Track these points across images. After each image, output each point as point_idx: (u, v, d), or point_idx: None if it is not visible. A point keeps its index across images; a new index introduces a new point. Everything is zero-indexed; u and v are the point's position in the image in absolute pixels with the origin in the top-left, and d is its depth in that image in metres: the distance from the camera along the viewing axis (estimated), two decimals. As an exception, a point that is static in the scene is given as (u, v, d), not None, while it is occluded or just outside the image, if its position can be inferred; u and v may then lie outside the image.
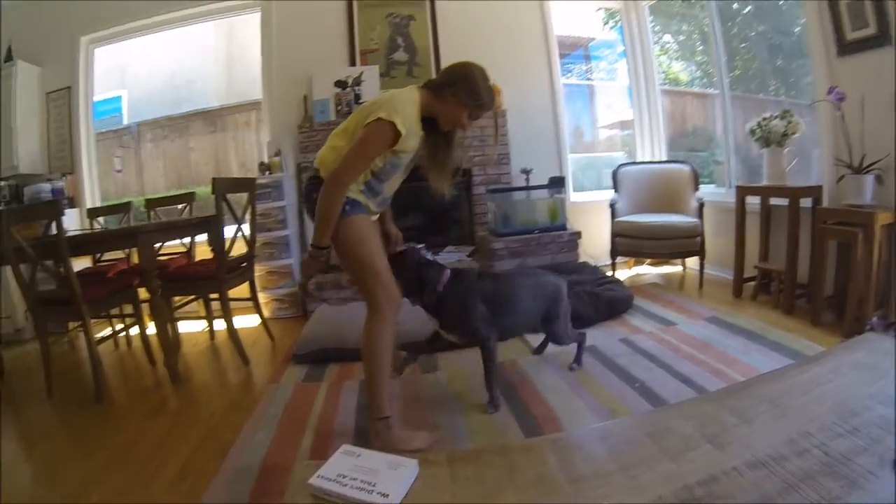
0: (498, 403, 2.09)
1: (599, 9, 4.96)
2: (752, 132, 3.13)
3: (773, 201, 3.27)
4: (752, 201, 3.38)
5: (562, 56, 4.79)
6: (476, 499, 0.87)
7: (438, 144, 1.97)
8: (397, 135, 1.74)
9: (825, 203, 2.94)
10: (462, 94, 1.83)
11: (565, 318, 2.31)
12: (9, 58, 4.37)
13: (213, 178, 2.81)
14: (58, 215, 2.45)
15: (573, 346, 2.44)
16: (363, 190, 1.85)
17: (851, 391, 1.14)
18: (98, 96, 4.68)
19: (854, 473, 0.87)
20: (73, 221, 4.19)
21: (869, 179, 2.59)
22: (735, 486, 0.86)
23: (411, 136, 1.81)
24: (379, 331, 1.82)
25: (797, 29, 3.34)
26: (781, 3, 3.53)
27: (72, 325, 3.39)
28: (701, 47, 4.55)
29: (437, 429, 1.97)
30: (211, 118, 4.73)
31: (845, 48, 2.74)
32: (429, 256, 2.19)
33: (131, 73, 4.80)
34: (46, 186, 4.25)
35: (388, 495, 0.86)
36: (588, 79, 5.12)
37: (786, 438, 0.98)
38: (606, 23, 5.01)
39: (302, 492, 0.92)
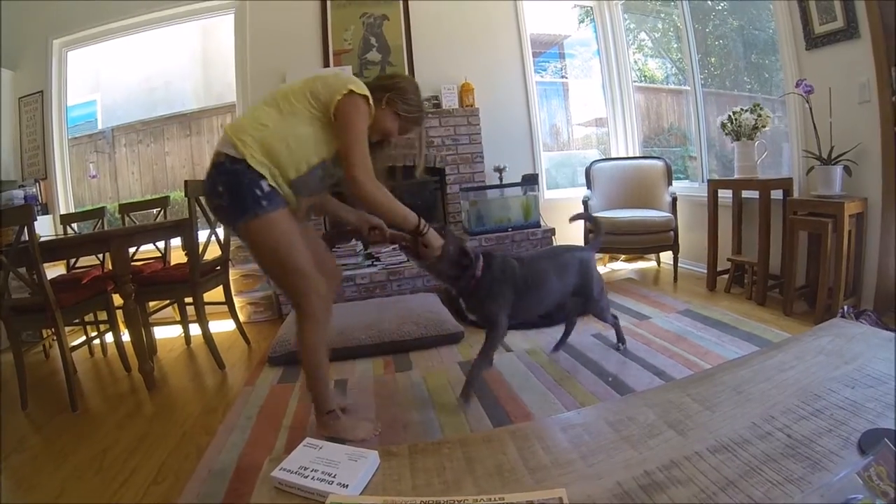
0: (470, 395, 2.08)
1: (574, 6, 4.99)
2: (724, 126, 3.17)
3: (745, 194, 3.31)
4: (725, 195, 3.41)
5: (537, 54, 4.82)
6: (435, 489, 0.87)
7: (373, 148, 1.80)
8: (370, 110, 1.68)
9: (796, 195, 2.98)
10: (397, 102, 1.76)
11: (600, 292, 2.32)
12: (-20, 63, 4.26)
13: (186, 181, 2.78)
14: (29, 220, 2.40)
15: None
16: (293, 179, 1.70)
17: (816, 375, 1.15)
18: (72, 101, 4.58)
19: (817, 454, 0.87)
20: (46, 228, 4.10)
21: (837, 170, 2.63)
22: (696, 469, 0.87)
23: None
24: (313, 336, 1.76)
25: (772, 24, 3.38)
26: (752, -1, 3.58)
27: (46, 332, 3.32)
28: (676, 45, 4.60)
29: (409, 426, 1.96)
30: (186, 121, 4.67)
31: (814, 42, 2.79)
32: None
33: (106, 76, 4.71)
34: (19, 193, 4.15)
35: (347, 485, 0.87)
36: (563, 76, 5.15)
37: (749, 423, 0.99)
38: (582, 21, 5.05)
39: (266, 486, 0.92)
